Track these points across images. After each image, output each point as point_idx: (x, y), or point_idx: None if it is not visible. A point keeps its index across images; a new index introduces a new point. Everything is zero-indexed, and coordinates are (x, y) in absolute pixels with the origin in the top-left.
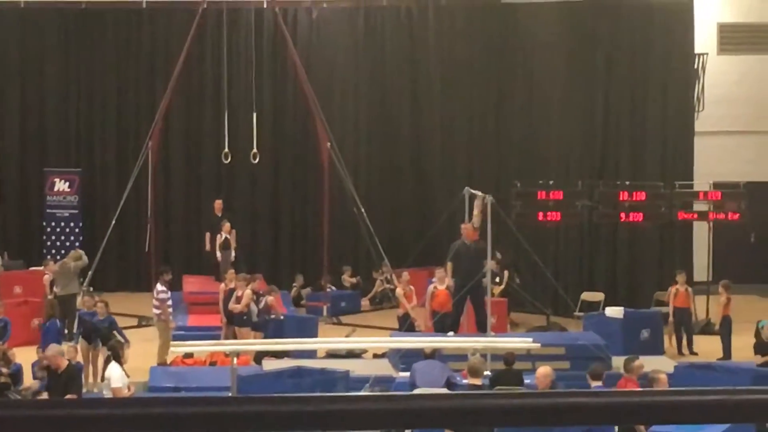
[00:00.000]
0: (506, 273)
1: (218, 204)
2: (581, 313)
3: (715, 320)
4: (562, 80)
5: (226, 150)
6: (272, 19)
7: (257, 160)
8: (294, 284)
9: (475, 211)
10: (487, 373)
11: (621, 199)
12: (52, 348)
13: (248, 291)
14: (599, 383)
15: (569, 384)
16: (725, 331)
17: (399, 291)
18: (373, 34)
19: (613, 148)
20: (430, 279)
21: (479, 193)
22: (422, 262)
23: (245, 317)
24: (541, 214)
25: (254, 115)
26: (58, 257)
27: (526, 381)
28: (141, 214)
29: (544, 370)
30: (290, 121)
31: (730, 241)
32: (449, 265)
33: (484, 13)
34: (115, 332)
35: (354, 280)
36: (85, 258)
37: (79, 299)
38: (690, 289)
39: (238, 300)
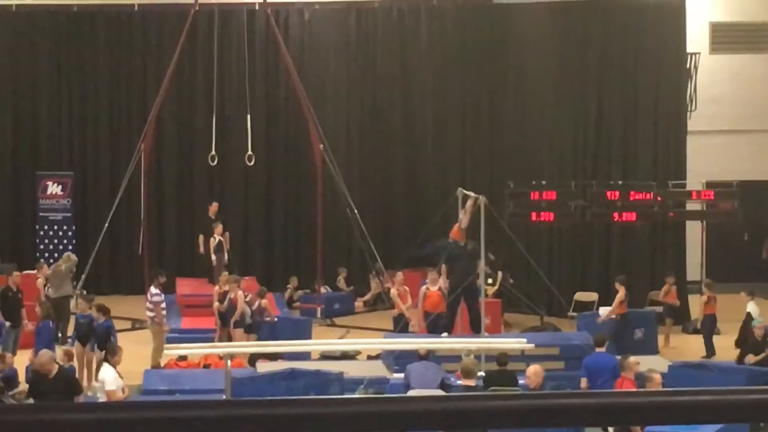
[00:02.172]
0: (500, 274)
1: (213, 207)
2: (575, 313)
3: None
4: (554, 80)
5: (213, 152)
6: (264, 20)
7: (253, 162)
8: (288, 286)
9: (463, 212)
10: (480, 373)
11: (613, 198)
12: (44, 354)
13: (240, 293)
14: (602, 349)
15: (564, 384)
16: (707, 330)
17: (393, 292)
18: (365, 35)
19: (606, 147)
20: (423, 280)
21: (472, 194)
22: (416, 263)
23: (239, 319)
24: (534, 214)
25: (248, 117)
26: (51, 260)
27: (521, 381)
28: (134, 217)
29: (534, 368)
30: (283, 123)
31: (724, 240)
32: (443, 267)
33: (476, 14)
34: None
35: (348, 289)
36: (74, 257)
37: (72, 302)
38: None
39: (231, 302)
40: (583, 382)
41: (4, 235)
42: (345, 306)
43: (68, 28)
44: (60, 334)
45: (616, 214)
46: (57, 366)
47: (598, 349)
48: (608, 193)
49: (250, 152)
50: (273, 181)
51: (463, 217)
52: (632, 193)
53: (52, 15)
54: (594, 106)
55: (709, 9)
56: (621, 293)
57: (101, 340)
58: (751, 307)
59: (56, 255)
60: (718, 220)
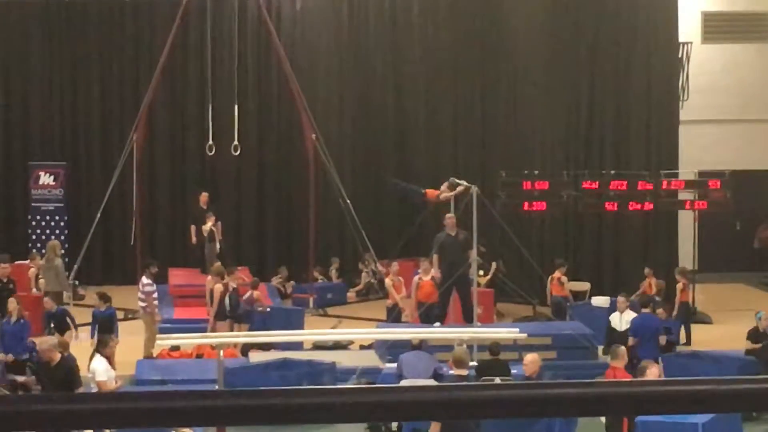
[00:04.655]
0: (493, 264)
1: (204, 197)
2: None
3: (701, 308)
4: (546, 70)
5: (210, 143)
6: (256, 10)
7: (238, 152)
8: (279, 277)
9: (446, 187)
10: (473, 363)
11: (606, 188)
12: (45, 341)
13: (218, 286)
14: (647, 310)
15: (557, 374)
16: (683, 317)
17: (388, 281)
18: (357, 24)
19: (598, 137)
20: (415, 270)
21: (464, 183)
22: (408, 253)
23: (218, 311)
24: (526, 203)
25: (236, 107)
26: (44, 251)
27: (513, 371)
28: (126, 207)
29: (531, 357)
30: (275, 113)
31: (716, 230)
32: (435, 257)
33: (468, 2)
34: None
35: (338, 279)
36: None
37: (65, 295)
38: (564, 278)
39: (211, 294)
40: (631, 341)
41: None
42: (337, 296)
43: (60, 18)
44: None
45: (608, 204)
46: (59, 355)
47: (643, 310)
48: (600, 183)
49: (236, 142)
50: (265, 171)
51: (446, 193)
52: (624, 182)
53: (43, 5)
54: (586, 96)
55: None
56: (554, 275)
57: (103, 327)
58: None
59: None
60: (710, 210)
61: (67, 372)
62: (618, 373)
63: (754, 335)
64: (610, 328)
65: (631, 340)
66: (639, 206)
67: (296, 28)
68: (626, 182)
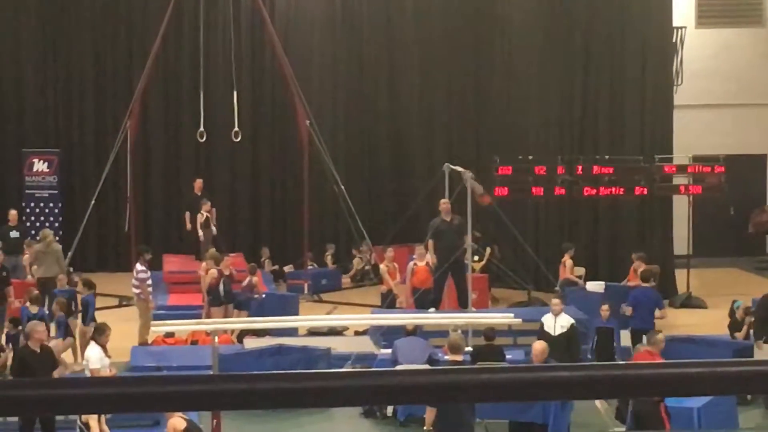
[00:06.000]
0: (488, 249)
1: (198, 183)
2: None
3: (696, 293)
4: (540, 55)
5: (202, 129)
6: None
7: (239, 138)
8: (263, 259)
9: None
10: (468, 348)
11: (601, 173)
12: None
13: (212, 272)
14: (648, 285)
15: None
16: None
17: (383, 267)
18: (351, 11)
19: (593, 122)
20: (410, 256)
21: (459, 169)
22: (403, 239)
23: (212, 297)
24: (521, 189)
25: (234, 93)
26: (38, 238)
27: (508, 356)
28: (120, 194)
29: (540, 345)
30: (269, 99)
31: (710, 215)
32: (430, 242)
33: None
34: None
35: (333, 266)
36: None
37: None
38: (569, 262)
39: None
40: (629, 311)
41: None
42: (332, 282)
43: (53, 4)
44: (47, 312)
45: (602, 189)
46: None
47: (643, 284)
48: (595, 168)
49: (236, 128)
50: (259, 157)
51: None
52: (619, 167)
53: None
54: (580, 81)
55: None
56: (563, 258)
57: (83, 312)
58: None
59: None
60: (704, 195)
61: (51, 357)
62: (656, 357)
63: (734, 326)
64: (543, 332)
65: (629, 311)
66: (634, 191)
67: (290, 14)
68: (621, 167)
